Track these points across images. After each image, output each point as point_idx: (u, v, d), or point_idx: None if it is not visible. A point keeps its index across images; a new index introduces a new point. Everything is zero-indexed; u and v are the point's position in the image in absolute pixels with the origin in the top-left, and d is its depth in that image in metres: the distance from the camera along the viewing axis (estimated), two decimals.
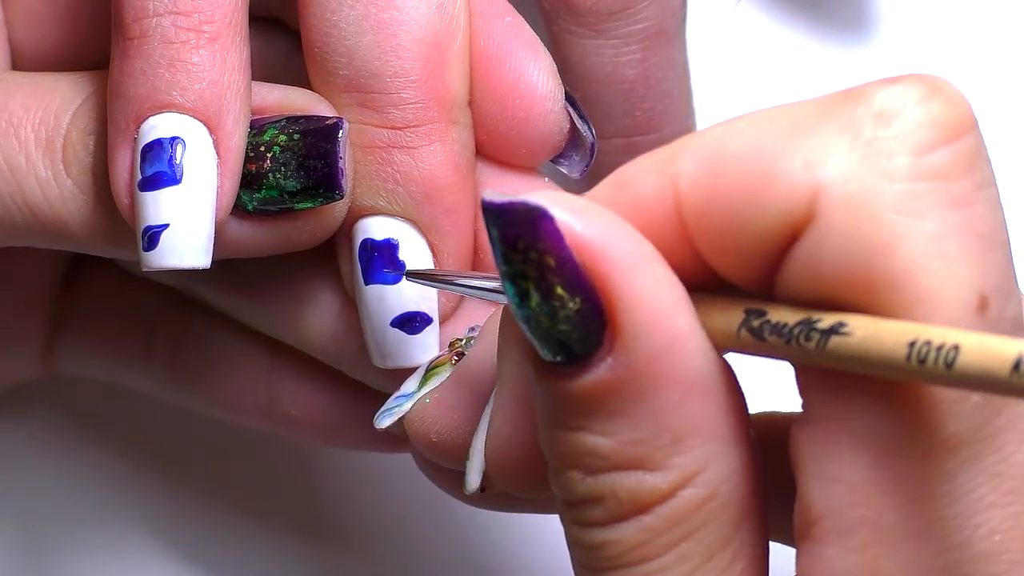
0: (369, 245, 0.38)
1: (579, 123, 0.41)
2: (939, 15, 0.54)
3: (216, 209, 0.37)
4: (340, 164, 0.37)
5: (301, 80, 0.40)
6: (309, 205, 0.37)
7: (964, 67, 0.54)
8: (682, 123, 0.49)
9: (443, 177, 0.38)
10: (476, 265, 0.40)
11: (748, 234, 0.30)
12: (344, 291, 0.40)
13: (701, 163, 0.31)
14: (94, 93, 0.39)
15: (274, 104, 0.38)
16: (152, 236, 0.36)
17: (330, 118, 0.38)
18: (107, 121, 0.37)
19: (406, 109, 0.38)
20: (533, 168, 0.41)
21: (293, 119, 0.38)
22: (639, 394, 0.31)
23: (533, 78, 0.40)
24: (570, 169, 0.41)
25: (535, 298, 0.31)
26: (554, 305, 0.31)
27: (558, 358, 0.31)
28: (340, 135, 0.37)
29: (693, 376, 0.31)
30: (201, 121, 0.37)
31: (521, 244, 0.30)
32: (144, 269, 0.37)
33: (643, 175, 0.31)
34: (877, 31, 0.54)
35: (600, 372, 0.31)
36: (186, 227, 0.36)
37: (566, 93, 0.41)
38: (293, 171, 0.37)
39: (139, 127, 0.37)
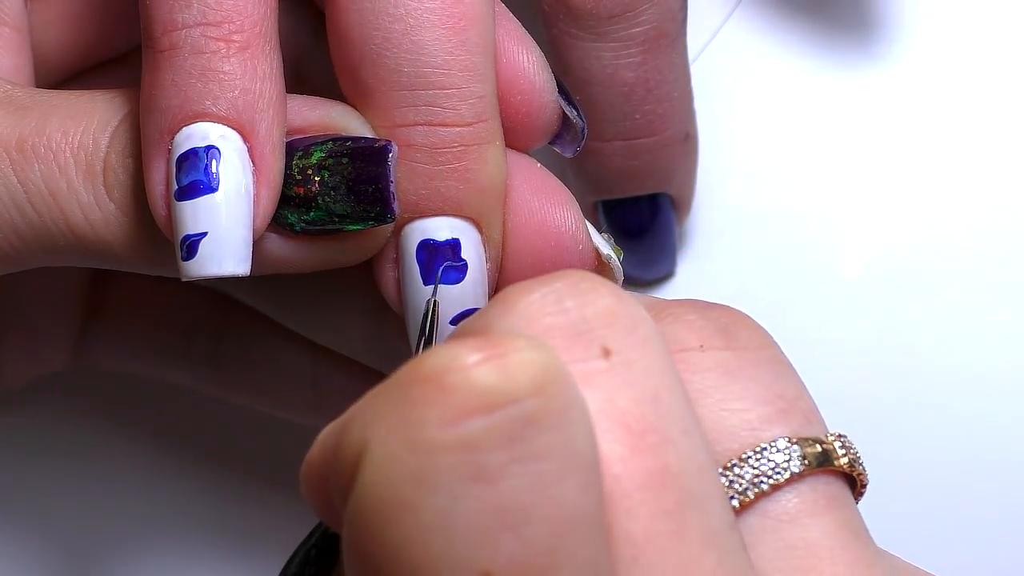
0: (430, 246, 0.38)
1: (567, 108, 0.40)
2: (942, 14, 0.54)
3: (253, 216, 0.37)
4: (391, 188, 0.37)
5: (327, 68, 0.39)
6: (359, 227, 0.37)
7: (967, 66, 0.54)
8: (682, 126, 0.50)
9: (504, 174, 0.38)
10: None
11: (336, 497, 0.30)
12: (374, 294, 0.40)
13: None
14: (130, 113, 0.38)
15: (316, 123, 0.38)
16: (191, 245, 0.36)
17: (379, 140, 0.37)
18: (140, 135, 0.37)
19: (475, 104, 0.37)
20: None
21: (340, 140, 0.37)
22: None
23: (529, 72, 0.39)
24: (563, 150, 0.41)
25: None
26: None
27: None
28: (390, 158, 0.37)
29: None
30: (235, 129, 0.36)
31: None
32: (184, 279, 0.37)
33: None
34: (879, 32, 0.54)
35: None
36: (224, 235, 0.36)
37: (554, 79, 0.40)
38: (343, 195, 0.37)
39: (173, 138, 0.37)
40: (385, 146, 0.37)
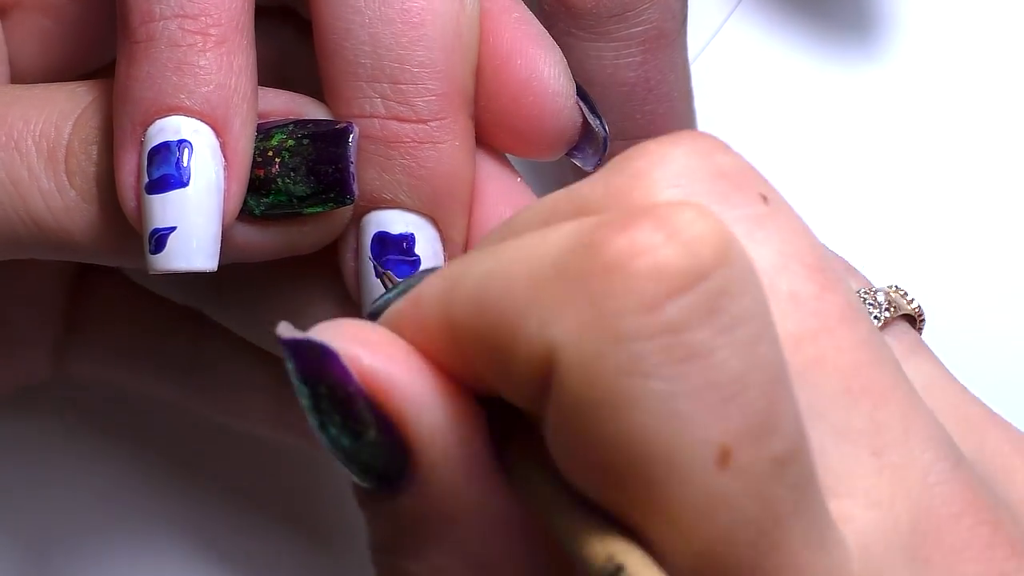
0: (384, 239, 0.38)
1: (590, 117, 0.40)
2: (944, 13, 0.54)
3: (223, 212, 0.37)
4: (351, 169, 0.37)
5: (313, 69, 0.39)
6: (319, 210, 0.37)
7: (970, 65, 0.54)
8: (683, 125, 0.49)
9: (465, 172, 0.38)
10: (471, 244, 0.39)
11: (511, 385, 0.30)
12: (336, 302, 0.40)
13: (467, 307, 0.30)
14: (94, 101, 0.38)
15: (279, 108, 0.38)
16: (159, 239, 0.36)
17: (340, 122, 0.37)
18: (113, 125, 0.37)
19: (431, 101, 0.37)
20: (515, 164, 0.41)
21: (301, 123, 0.38)
22: (444, 525, 0.31)
23: (545, 75, 0.39)
24: (584, 162, 0.41)
25: (332, 429, 0.31)
26: (352, 435, 0.31)
27: (369, 484, 0.31)
28: (351, 139, 0.37)
29: (493, 512, 0.31)
30: (208, 124, 0.36)
31: (311, 378, 0.31)
32: (150, 272, 0.37)
33: (432, 299, 0.31)
34: (880, 31, 0.54)
35: (408, 499, 0.31)
36: (193, 230, 0.36)
37: (577, 87, 0.40)
38: (303, 176, 0.37)
39: (146, 130, 0.37)
40: (346, 127, 0.37)
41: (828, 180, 0.53)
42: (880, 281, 0.52)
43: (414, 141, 0.37)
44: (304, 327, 0.39)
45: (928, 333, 0.51)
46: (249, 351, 0.44)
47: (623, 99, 0.48)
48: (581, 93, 0.40)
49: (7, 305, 0.46)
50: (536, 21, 0.40)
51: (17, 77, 0.42)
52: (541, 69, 0.39)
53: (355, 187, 0.37)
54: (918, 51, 0.54)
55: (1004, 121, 0.53)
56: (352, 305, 0.39)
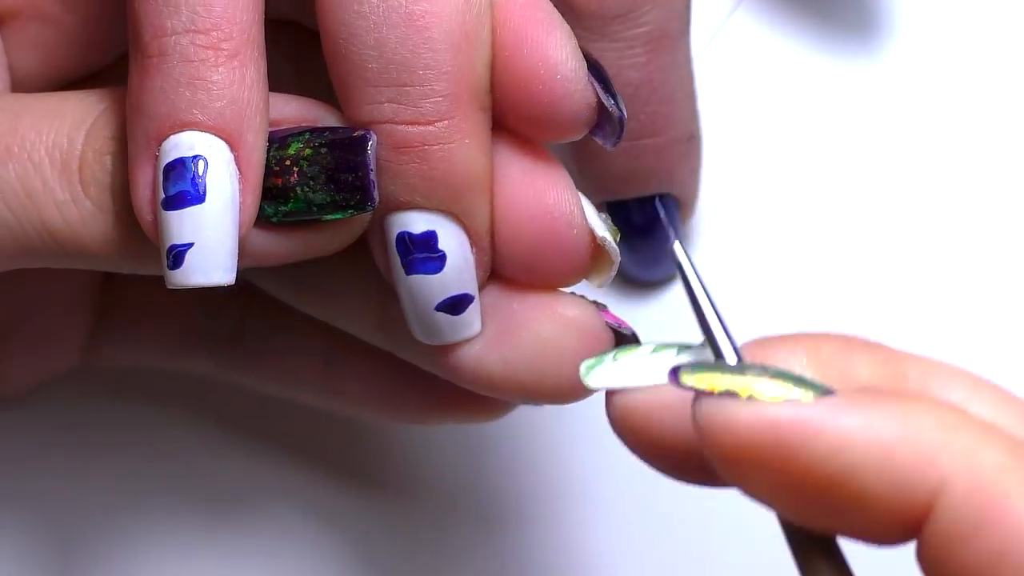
0: (407, 239, 0.38)
1: (604, 97, 0.40)
2: (946, 11, 0.54)
3: (239, 225, 0.37)
4: (371, 176, 0.37)
5: (310, 85, 0.39)
6: (338, 216, 0.37)
7: (974, 64, 0.54)
8: (686, 126, 0.50)
9: (479, 165, 0.38)
10: (497, 228, 0.39)
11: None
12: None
13: (827, 462, 0.32)
14: (106, 111, 0.38)
15: (292, 115, 0.38)
16: (177, 255, 0.36)
17: (357, 129, 0.37)
18: (127, 140, 0.37)
19: (439, 102, 0.37)
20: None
21: (317, 131, 0.38)
22: None
23: (553, 61, 0.39)
24: (604, 141, 0.41)
25: None
26: None
27: None
28: (369, 147, 0.37)
29: None
30: (223, 139, 0.36)
31: None
32: (169, 287, 0.37)
33: (745, 425, 0.32)
34: (883, 32, 0.54)
35: None
36: (210, 245, 0.36)
37: (592, 66, 0.40)
38: (322, 184, 0.37)
39: (160, 146, 0.36)
40: (364, 135, 0.37)
41: (830, 177, 0.53)
42: (878, 280, 0.52)
43: (423, 144, 0.37)
44: (352, 297, 0.41)
45: (926, 331, 0.52)
46: (298, 318, 0.45)
47: (627, 99, 0.47)
48: (596, 73, 0.40)
49: (41, 300, 0.46)
50: (545, 3, 0.40)
51: (17, 84, 0.42)
52: (549, 55, 0.39)
53: (376, 194, 0.37)
54: (919, 49, 0.54)
55: (1004, 118, 0.53)
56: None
